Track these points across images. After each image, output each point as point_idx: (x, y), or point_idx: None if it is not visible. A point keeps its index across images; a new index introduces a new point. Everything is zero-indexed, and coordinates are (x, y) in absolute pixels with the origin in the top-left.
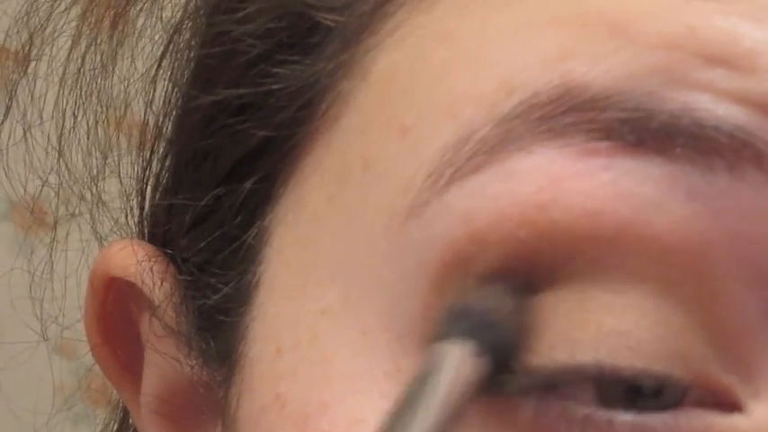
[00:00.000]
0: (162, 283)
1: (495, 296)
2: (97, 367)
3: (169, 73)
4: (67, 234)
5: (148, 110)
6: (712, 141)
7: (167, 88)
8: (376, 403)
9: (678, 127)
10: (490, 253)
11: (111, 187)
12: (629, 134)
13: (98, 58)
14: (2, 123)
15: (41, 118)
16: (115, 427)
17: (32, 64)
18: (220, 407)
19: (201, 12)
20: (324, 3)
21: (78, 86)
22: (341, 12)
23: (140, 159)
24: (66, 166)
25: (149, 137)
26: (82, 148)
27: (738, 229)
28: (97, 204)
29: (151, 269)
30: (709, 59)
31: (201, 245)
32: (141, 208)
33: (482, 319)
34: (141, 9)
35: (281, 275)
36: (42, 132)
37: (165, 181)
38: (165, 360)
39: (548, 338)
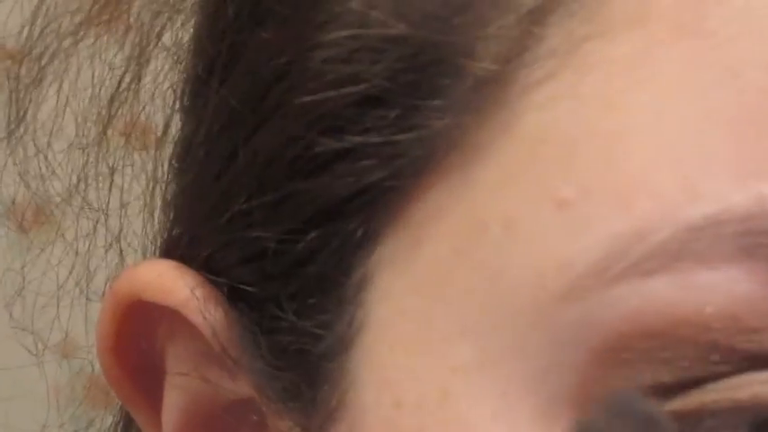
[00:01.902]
0: (224, 316)
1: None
2: (96, 368)
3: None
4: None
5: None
6: None
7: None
8: None
9: None
10: (666, 350)
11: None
12: None
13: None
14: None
15: (35, 125)
16: None
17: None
18: None
19: (302, 46)
20: (455, 46)
21: (108, 100)
22: (473, 55)
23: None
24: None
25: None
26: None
27: None
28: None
29: (212, 300)
30: None
31: (290, 284)
32: (171, 228)
33: None
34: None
35: (394, 323)
36: (34, 142)
37: (230, 213)
38: (208, 389)
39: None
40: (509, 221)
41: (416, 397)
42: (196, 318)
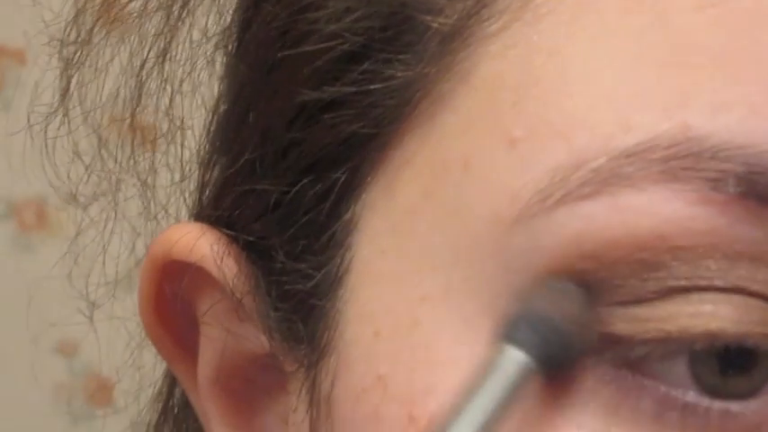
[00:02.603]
0: (238, 267)
1: (565, 301)
2: (96, 367)
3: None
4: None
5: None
6: None
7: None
8: None
9: None
10: (601, 271)
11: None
12: (745, 187)
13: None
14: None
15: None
16: (160, 406)
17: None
18: (286, 384)
19: (293, 9)
20: (422, 5)
21: (132, 74)
22: (438, 12)
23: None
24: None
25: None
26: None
27: None
28: (144, 188)
29: (228, 253)
30: None
31: (289, 231)
32: (200, 193)
33: (543, 334)
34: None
35: (374, 261)
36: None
37: (240, 168)
38: (234, 339)
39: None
40: (468, 162)
41: (391, 326)
42: (215, 271)
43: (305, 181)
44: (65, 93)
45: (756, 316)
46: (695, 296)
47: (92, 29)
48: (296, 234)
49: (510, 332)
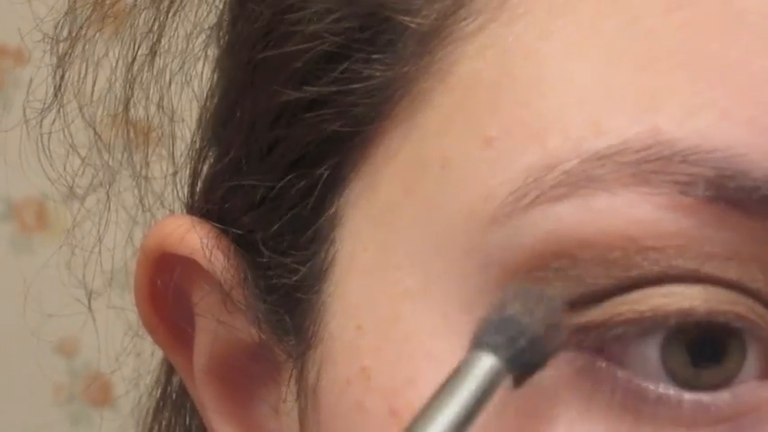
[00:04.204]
0: (227, 260)
1: (536, 305)
2: (96, 367)
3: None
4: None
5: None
6: None
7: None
8: None
9: (760, 193)
10: (575, 269)
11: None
12: (714, 191)
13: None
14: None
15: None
16: (158, 393)
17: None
18: (277, 374)
19: (276, 10)
20: (400, 5)
21: (127, 73)
22: (416, 13)
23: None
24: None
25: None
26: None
27: None
28: (139, 182)
29: (217, 246)
30: None
31: (274, 226)
32: (192, 187)
33: (511, 339)
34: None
35: (357, 256)
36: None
37: (228, 163)
38: (226, 330)
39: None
40: (446, 159)
41: (373, 320)
42: (206, 263)
43: (289, 177)
44: (58, 89)
45: (725, 297)
46: (666, 286)
47: (83, 24)
48: (281, 229)
49: (479, 336)
